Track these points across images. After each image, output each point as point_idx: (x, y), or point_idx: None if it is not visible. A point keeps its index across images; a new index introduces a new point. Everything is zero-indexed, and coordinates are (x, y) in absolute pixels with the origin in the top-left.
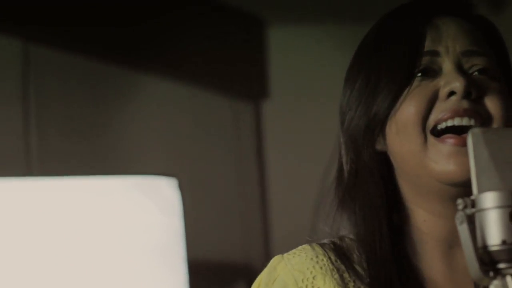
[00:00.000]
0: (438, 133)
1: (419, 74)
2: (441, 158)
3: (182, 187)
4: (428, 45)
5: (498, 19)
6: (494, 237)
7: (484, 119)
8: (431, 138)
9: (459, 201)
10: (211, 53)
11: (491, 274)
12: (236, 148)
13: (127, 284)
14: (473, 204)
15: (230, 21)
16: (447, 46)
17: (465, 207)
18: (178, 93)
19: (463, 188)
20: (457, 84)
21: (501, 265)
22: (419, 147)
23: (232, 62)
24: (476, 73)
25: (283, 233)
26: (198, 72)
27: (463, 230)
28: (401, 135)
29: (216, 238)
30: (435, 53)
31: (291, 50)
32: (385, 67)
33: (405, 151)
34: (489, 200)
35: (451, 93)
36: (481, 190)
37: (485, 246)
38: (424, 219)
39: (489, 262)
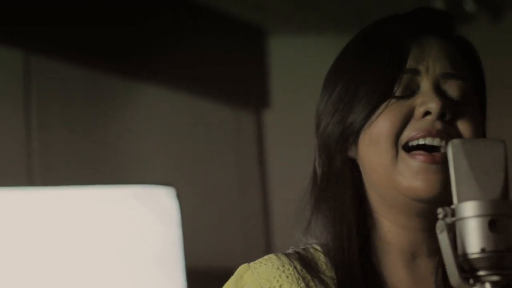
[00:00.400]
0: (409, 149)
1: (398, 91)
2: (409, 173)
3: (183, 196)
4: (410, 63)
5: (497, 28)
6: (473, 245)
7: None
8: (402, 153)
9: (439, 210)
10: (213, 62)
11: (471, 281)
12: (238, 156)
13: None
14: (453, 213)
15: (232, 31)
16: (428, 66)
17: (445, 216)
18: (179, 103)
19: (428, 204)
20: (433, 105)
21: (481, 273)
22: (389, 160)
23: (233, 72)
24: (452, 95)
25: (284, 240)
26: (199, 81)
27: (443, 238)
28: (373, 147)
29: (218, 246)
30: (415, 72)
31: (292, 59)
32: (366, 79)
33: (375, 163)
34: (469, 209)
35: (427, 113)
36: (460, 200)
37: (465, 254)
38: (389, 229)
39: (469, 269)
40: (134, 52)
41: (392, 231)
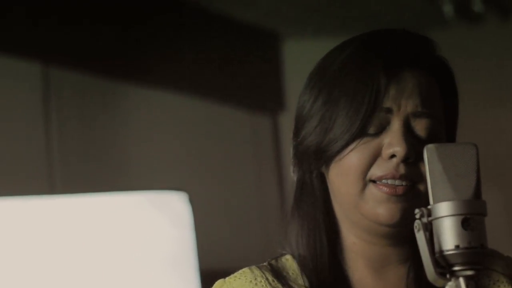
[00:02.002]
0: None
1: (370, 130)
2: (373, 202)
3: (201, 200)
4: (384, 103)
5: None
6: (448, 242)
7: (414, 182)
8: (369, 184)
9: (417, 210)
10: (228, 67)
11: (448, 276)
12: (255, 159)
13: None
14: (429, 213)
15: (247, 36)
16: (400, 104)
17: (422, 216)
18: (196, 108)
19: (390, 228)
20: (399, 149)
21: (456, 268)
22: (356, 191)
23: (249, 76)
24: (419, 134)
25: None
26: (215, 86)
27: (420, 237)
28: (342, 179)
29: (237, 248)
30: (388, 111)
31: (306, 62)
32: (343, 110)
33: (343, 192)
34: (444, 209)
35: (393, 155)
36: (436, 200)
37: (441, 251)
38: (354, 241)
39: (445, 265)
40: (149, 60)
41: (357, 243)
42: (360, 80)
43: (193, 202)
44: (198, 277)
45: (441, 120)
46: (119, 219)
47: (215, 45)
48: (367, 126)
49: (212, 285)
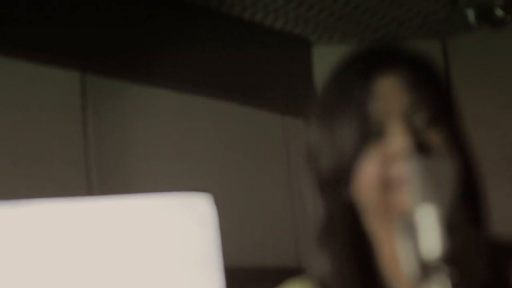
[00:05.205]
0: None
1: (373, 139)
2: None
3: (235, 202)
4: (376, 108)
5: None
6: (430, 243)
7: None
8: (395, 186)
9: (400, 213)
10: (261, 71)
11: (428, 273)
12: (286, 162)
13: None
14: (412, 216)
15: (279, 41)
16: (392, 106)
17: (405, 219)
18: (227, 112)
19: None
20: (403, 143)
21: (436, 268)
22: (383, 196)
23: (280, 79)
24: (421, 126)
25: None
26: (246, 89)
27: (403, 239)
28: (366, 192)
29: (270, 247)
30: (382, 116)
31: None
32: (343, 131)
33: (373, 203)
34: (426, 213)
35: (403, 154)
36: (419, 205)
37: (421, 252)
38: (393, 251)
39: (427, 264)
40: (179, 63)
41: (395, 248)
42: (344, 105)
43: (219, 203)
44: (222, 275)
45: (437, 105)
46: (145, 220)
47: (248, 50)
48: (368, 137)
49: (234, 282)
